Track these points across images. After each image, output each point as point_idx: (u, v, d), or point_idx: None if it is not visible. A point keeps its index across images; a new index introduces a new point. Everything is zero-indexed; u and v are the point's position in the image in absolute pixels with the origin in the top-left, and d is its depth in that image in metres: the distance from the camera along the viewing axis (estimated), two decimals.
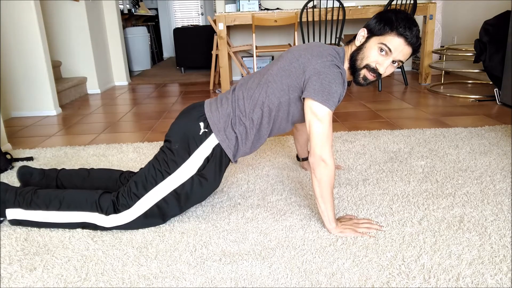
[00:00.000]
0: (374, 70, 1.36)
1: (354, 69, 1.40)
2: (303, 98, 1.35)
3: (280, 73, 1.40)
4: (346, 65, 1.42)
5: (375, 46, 1.33)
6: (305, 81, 1.35)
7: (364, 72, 1.38)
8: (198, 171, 1.43)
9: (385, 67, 1.34)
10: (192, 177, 1.42)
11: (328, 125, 1.32)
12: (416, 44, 1.32)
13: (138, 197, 1.40)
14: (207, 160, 1.43)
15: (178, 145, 1.42)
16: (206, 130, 1.43)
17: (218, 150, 1.44)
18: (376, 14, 1.37)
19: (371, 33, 1.35)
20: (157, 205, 1.41)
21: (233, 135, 1.44)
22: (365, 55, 1.36)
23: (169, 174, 1.41)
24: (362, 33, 1.38)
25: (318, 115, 1.31)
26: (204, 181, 1.43)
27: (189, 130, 1.44)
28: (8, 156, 2.16)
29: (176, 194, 1.42)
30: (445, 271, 1.15)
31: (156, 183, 1.41)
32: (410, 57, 1.36)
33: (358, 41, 1.39)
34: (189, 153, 1.42)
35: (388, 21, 1.30)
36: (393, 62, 1.35)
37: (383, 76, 1.38)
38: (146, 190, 1.41)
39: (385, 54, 1.33)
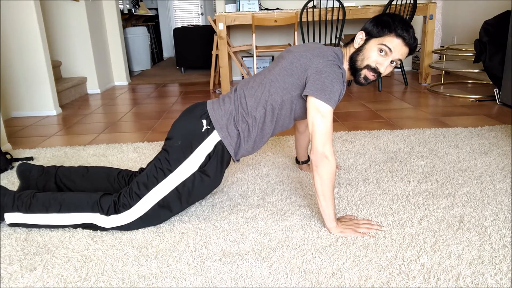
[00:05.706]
0: (374, 70, 1.42)
1: (354, 69, 1.45)
2: (305, 96, 1.39)
3: (282, 72, 1.44)
4: (346, 65, 1.48)
5: (375, 47, 1.40)
6: (306, 78, 1.39)
7: (365, 72, 1.44)
8: (200, 168, 1.44)
9: (385, 67, 1.41)
10: (193, 174, 1.43)
11: (330, 123, 1.36)
12: (413, 44, 1.40)
13: (140, 196, 1.40)
14: (209, 157, 1.44)
15: (180, 142, 1.44)
16: (209, 127, 1.44)
17: (220, 147, 1.45)
18: (372, 18, 1.43)
19: (370, 36, 1.41)
20: (159, 204, 1.41)
21: (235, 133, 1.45)
22: (365, 56, 1.42)
23: (171, 171, 1.42)
24: (361, 36, 1.43)
25: (321, 112, 1.34)
26: (206, 178, 1.44)
27: (191, 127, 1.45)
28: (8, 156, 2.16)
29: (177, 192, 1.42)
30: (445, 271, 1.15)
31: (158, 182, 1.41)
32: (407, 56, 1.44)
33: (356, 43, 1.44)
34: (191, 150, 1.43)
35: (386, 24, 1.37)
36: (392, 62, 1.41)
37: (382, 75, 1.44)
38: (148, 189, 1.41)
39: (385, 54, 1.39)
